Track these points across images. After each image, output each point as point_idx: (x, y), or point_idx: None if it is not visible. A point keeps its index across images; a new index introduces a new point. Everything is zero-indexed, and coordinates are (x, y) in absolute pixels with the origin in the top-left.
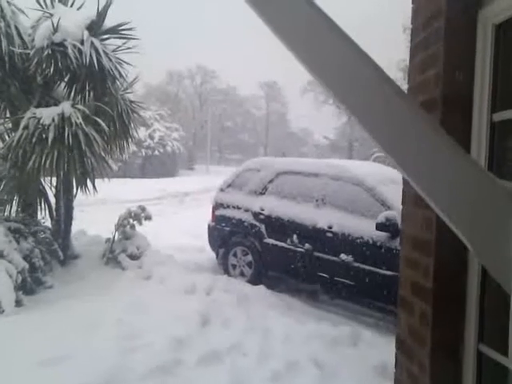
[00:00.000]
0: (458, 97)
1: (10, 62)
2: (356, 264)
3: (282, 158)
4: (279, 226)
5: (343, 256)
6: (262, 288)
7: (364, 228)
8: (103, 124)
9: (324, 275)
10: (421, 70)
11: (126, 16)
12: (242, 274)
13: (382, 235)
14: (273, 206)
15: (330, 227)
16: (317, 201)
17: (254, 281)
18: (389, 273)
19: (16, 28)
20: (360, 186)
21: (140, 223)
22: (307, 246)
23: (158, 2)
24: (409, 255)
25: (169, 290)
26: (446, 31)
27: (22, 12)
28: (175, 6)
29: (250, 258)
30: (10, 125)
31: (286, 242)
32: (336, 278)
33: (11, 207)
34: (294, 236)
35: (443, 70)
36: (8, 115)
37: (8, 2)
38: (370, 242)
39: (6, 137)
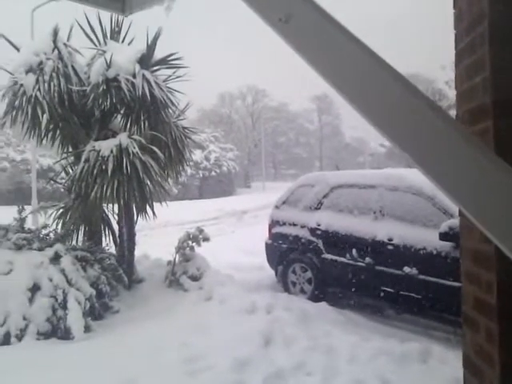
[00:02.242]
0: (510, 101)
1: (69, 99)
2: (421, 276)
3: (335, 172)
4: (337, 241)
5: (407, 269)
6: (323, 305)
7: (426, 238)
8: (158, 152)
9: (388, 289)
10: (467, 76)
11: (174, 45)
12: (303, 291)
13: (446, 245)
14: (329, 220)
15: (391, 239)
16: (374, 213)
17: (315, 298)
18: (456, 284)
19: (73, 67)
20: (419, 195)
21: (199, 245)
22: (368, 259)
23: (202, 28)
24: (469, 269)
25: (230, 311)
26: (491, 34)
27: (78, 52)
28: (218, 31)
29: (309, 274)
30: (73, 158)
31: (346, 257)
32: (401, 292)
33: (78, 236)
34: (354, 250)
35: (491, 74)
36: (70, 149)
37: (65, 44)
38: (434, 252)
39: (70, 170)
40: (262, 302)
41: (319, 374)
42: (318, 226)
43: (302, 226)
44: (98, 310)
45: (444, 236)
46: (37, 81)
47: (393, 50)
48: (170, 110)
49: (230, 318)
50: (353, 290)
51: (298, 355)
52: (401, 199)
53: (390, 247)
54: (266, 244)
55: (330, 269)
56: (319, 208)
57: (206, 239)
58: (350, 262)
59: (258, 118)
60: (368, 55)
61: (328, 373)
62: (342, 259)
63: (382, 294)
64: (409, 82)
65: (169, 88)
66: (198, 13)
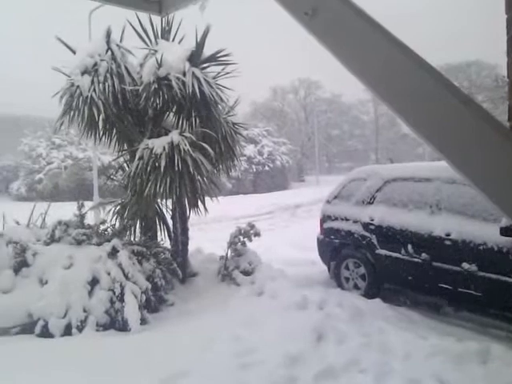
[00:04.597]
0: None
1: (123, 99)
2: (481, 273)
3: (388, 165)
4: (391, 236)
5: (465, 265)
6: (377, 301)
7: (487, 233)
8: (209, 148)
9: (445, 286)
10: None
11: (226, 40)
12: (356, 287)
13: (508, 240)
14: (383, 215)
15: (448, 234)
16: (431, 207)
17: (369, 294)
18: None
19: (125, 68)
20: None
21: (250, 240)
22: (424, 255)
23: (251, 23)
24: None
25: (281, 306)
26: None
27: (130, 52)
28: (269, 25)
29: (362, 270)
30: (128, 156)
31: (401, 253)
32: (459, 289)
33: (135, 231)
34: (409, 246)
35: None
36: (125, 147)
37: (117, 45)
38: (495, 248)
39: (126, 167)
40: (314, 297)
41: (372, 372)
42: (372, 220)
43: (355, 221)
44: (153, 303)
45: (505, 231)
46: (92, 82)
47: (448, 38)
48: (220, 107)
49: (281, 313)
50: (408, 286)
51: (351, 352)
52: (458, 192)
53: (447, 242)
54: (318, 239)
55: (385, 265)
56: (372, 202)
57: (257, 234)
58: (406, 257)
59: (311, 110)
60: (398, 48)
61: (381, 371)
62: (397, 255)
63: (438, 291)
64: (441, 75)
65: (218, 85)
66: (249, 6)
